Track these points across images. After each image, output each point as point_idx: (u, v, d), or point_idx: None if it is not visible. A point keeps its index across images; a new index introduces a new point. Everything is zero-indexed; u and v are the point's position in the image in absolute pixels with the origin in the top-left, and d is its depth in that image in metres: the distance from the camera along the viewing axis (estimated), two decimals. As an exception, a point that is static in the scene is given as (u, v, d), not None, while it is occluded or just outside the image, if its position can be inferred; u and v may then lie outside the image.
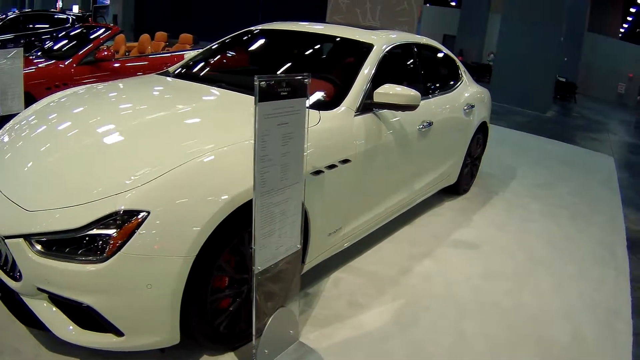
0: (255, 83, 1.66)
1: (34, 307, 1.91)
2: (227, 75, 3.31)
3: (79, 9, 15.93)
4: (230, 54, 3.67)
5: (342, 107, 2.62)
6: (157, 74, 3.49)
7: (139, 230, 1.74)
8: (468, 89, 4.35)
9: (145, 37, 5.76)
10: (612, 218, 4.90)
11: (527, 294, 3.09)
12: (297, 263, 2.10)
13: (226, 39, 3.70)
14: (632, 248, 4.12)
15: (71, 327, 1.87)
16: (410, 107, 2.69)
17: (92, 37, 5.09)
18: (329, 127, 2.48)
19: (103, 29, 5.37)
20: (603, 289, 3.32)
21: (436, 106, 3.64)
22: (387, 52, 3.10)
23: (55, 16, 9.64)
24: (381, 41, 3.15)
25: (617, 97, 23.16)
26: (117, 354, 2.04)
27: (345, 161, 2.51)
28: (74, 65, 4.76)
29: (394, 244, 3.45)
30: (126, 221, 1.75)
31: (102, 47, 5.04)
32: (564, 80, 17.50)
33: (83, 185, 1.90)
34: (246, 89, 2.66)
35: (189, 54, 3.74)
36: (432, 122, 3.45)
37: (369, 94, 2.76)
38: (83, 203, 1.81)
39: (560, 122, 12.34)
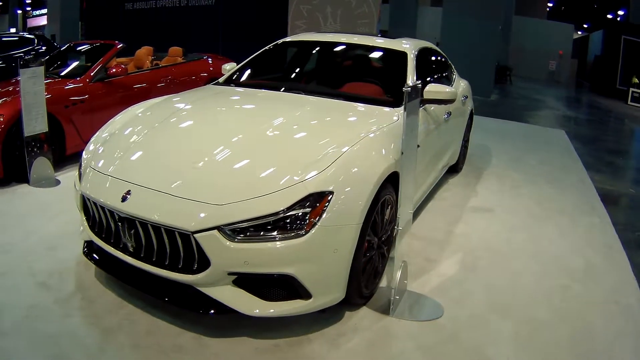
0: (405, 89, 2.46)
1: (217, 293, 2.28)
2: (296, 84, 4.02)
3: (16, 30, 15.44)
4: (280, 62, 4.32)
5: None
6: (211, 85, 4.06)
7: (328, 206, 2.26)
8: (460, 83, 5.29)
9: (142, 51, 6.14)
10: (582, 180, 6.04)
11: (542, 240, 4.01)
12: (408, 225, 2.82)
13: (268, 49, 4.34)
14: (605, 201, 5.22)
15: (254, 303, 2.28)
16: (450, 101, 3.49)
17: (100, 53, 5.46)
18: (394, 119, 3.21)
19: (98, 44, 5.75)
20: (594, 231, 4.34)
21: None
22: (414, 56, 3.90)
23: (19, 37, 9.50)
24: (409, 48, 3.95)
25: (549, 74, 25.62)
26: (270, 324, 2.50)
27: (418, 146, 3.25)
28: (88, 82, 5.12)
29: (430, 214, 4.28)
30: (318, 201, 2.25)
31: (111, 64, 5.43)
32: (496, 64, 19.31)
33: (264, 178, 2.34)
34: (325, 95, 3.49)
35: (229, 66, 4.30)
36: (451, 112, 4.31)
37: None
38: (275, 191, 2.26)
39: (505, 104, 13.89)
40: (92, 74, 5.18)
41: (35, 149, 4.48)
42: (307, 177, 2.33)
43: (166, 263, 2.34)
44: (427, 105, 3.64)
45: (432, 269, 3.27)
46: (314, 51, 4.33)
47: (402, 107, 3.23)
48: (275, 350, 2.34)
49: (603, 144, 9.13)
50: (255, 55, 4.30)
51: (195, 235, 2.20)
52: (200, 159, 2.54)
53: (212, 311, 2.32)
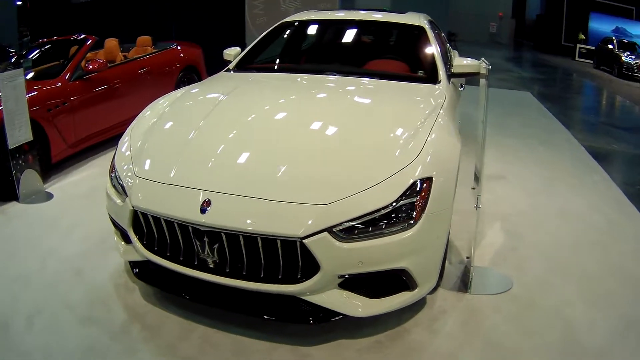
0: (486, 67, 2.63)
1: (324, 300, 2.19)
2: (321, 65, 3.95)
3: None
4: (290, 43, 4.29)
5: (443, 81, 3.44)
6: (225, 72, 3.93)
7: (431, 192, 2.25)
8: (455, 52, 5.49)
9: (112, 43, 5.86)
10: (568, 140, 6.49)
11: (560, 200, 4.33)
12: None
13: (274, 30, 4.27)
14: (597, 159, 5.66)
15: (362, 303, 2.22)
16: (476, 74, 3.63)
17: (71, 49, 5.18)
18: (450, 95, 3.31)
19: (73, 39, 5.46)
20: (600, 188, 4.74)
21: None
22: (430, 29, 4.02)
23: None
24: (424, 22, 4.08)
25: (490, 36, 26.69)
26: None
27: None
28: (68, 81, 4.87)
29: (451, 187, 4.49)
30: (421, 188, 2.23)
31: (88, 58, 5.16)
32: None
33: (361, 170, 2.27)
34: (359, 74, 3.52)
35: (232, 50, 4.15)
36: (463, 84, 4.48)
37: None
38: (377, 183, 2.20)
39: (462, 69, 14.39)
40: (70, 72, 4.92)
41: (20, 162, 4.24)
42: (405, 166, 2.30)
43: (261, 276, 2.20)
44: (453, 79, 3.78)
45: (481, 240, 3.47)
46: (327, 30, 4.34)
47: (441, 83, 3.40)
48: (378, 348, 2.35)
49: (569, 102, 9.77)
50: (262, 38, 4.24)
51: (305, 240, 2.09)
52: (281, 156, 2.42)
53: (320, 320, 2.24)
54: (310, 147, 2.49)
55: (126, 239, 2.63)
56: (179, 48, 6.82)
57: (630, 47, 16.03)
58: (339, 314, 2.23)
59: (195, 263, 2.31)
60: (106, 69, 5.16)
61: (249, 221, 2.14)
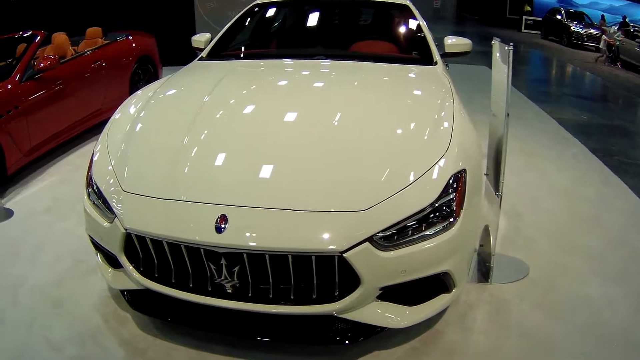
0: (509, 48, 2.53)
1: (363, 316, 1.99)
2: (308, 49, 3.70)
3: None
4: (266, 26, 4.05)
5: (439, 62, 3.35)
6: (199, 61, 3.61)
7: (466, 186, 2.11)
8: None
9: (61, 37, 5.45)
10: (538, 113, 6.66)
11: (547, 175, 4.43)
12: None
13: (247, 12, 4.02)
14: (571, 131, 5.84)
15: (403, 313, 2.06)
16: (467, 53, 3.60)
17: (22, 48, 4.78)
18: (450, 76, 3.21)
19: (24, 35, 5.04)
20: (581, 160, 4.93)
21: None
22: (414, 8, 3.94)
23: None
24: (407, 0, 3.97)
25: (434, 12, 27.09)
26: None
27: None
28: (19, 83, 4.50)
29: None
30: (457, 182, 2.08)
31: (37, 56, 4.78)
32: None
33: (391, 168, 2.08)
34: (350, 58, 3.38)
35: (201, 37, 3.91)
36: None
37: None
38: (413, 182, 2.02)
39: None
40: (20, 72, 4.54)
41: (-27, 176, 3.90)
42: (439, 159, 2.14)
43: (292, 297, 1.96)
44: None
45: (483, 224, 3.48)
46: (306, 11, 4.13)
47: (437, 65, 3.30)
48: (417, 354, 2.26)
49: (528, 74, 10.04)
50: (235, 21, 3.97)
51: (345, 254, 1.86)
52: (299, 158, 2.18)
53: (356, 338, 2.07)
54: (330, 146, 2.24)
55: (113, 263, 2.31)
56: (130, 38, 6.47)
57: (578, 17, 16.68)
58: (379, 327, 2.07)
59: (209, 289, 2.02)
60: (58, 65, 4.80)
61: (276, 238, 1.90)
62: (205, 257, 1.96)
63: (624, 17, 15.75)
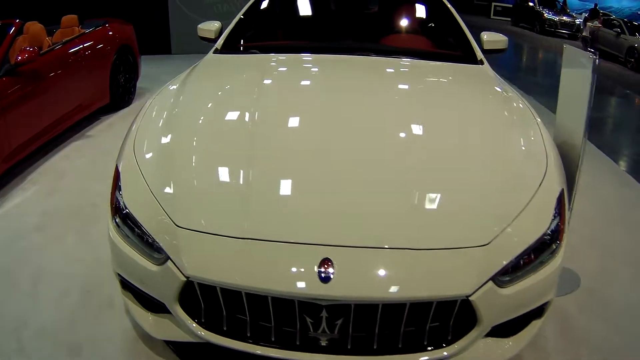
0: (593, 57, 2.30)
1: (472, 356, 1.80)
2: (338, 43, 3.34)
3: None
4: (294, 12, 3.71)
5: (484, 62, 3.10)
6: (215, 54, 3.23)
7: (567, 208, 1.95)
8: None
9: (35, 27, 4.98)
10: (534, 106, 6.59)
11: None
12: None
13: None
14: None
15: (505, 346, 1.88)
16: (504, 51, 3.39)
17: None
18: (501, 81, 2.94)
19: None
20: (595, 159, 4.89)
21: None
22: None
23: None
24: None
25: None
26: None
27: None
28: (-4, 79, 4.07)
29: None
30: (560, 205, 1.92)
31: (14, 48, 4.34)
32: None
33: (495, 191, 1.90)
34: (387, 53, 3.08)
35: (210, 25, 3.51)
36: None
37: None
38: (525, 207, 1.84)
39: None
40: (-4, 65, 4.12)
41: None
42: (542, 180, 1.96)
43: (400, 346, 1.72)
44: None
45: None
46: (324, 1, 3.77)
47: (484, 64, 3.07)
48: None
49: (513, 63, 10.03)
50: (249, 7, 3.60)
51: (472, 297, 1.65)
52: (400, 183, 1.90)
53: None
54: (425, 167, 1.98)
55: (151, 306, 1.95)
56: (108, 26, 6.05)
57: (550, 4, 16.90)
58: None
59: (298, 343, 1.71)
60: (38, 57, 4.39)
61: (394, 285, 1.63)
62: (299, 309, 1.65)
63: (595, 5, 16.10)
